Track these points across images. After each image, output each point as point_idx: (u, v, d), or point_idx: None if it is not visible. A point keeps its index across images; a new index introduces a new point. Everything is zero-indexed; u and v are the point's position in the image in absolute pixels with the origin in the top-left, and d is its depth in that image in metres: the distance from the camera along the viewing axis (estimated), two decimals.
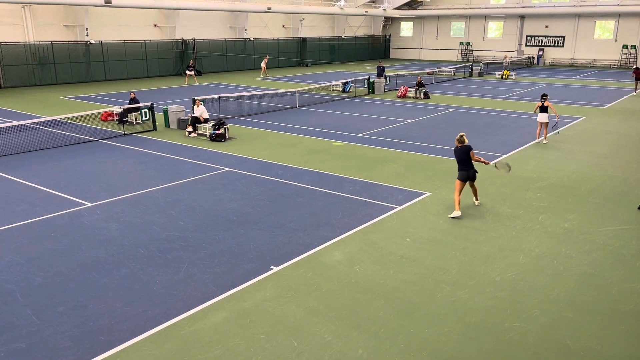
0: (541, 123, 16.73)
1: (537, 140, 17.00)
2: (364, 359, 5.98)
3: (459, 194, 10.43)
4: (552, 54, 50.59)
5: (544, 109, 16.53)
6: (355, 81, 29.57)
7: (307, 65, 48.27)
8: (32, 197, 11.48)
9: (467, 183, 10.60)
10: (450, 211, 10.57)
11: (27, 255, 8.60)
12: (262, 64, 38.97)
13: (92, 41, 33.79)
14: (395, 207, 10.82)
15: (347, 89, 29.40)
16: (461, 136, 10.61)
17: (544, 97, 16.59)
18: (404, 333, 6.47)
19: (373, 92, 29.37)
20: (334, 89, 30.19)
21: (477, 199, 11.11)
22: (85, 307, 7.03)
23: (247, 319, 6.76)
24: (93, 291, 7.43)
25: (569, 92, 30.32)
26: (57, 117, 18.08)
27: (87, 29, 33.51)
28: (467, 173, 10.45)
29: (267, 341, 6.30)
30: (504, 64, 41.89)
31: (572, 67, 48.10)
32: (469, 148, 10.46)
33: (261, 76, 38.47)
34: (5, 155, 15.15)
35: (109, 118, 20.50)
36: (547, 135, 17.18)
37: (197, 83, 33.61)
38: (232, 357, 5.99)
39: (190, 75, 33.71)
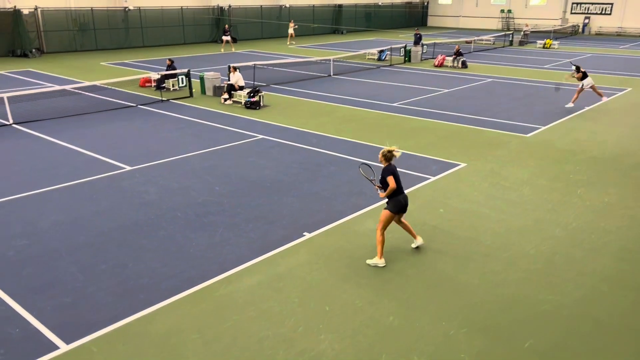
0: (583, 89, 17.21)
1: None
2: (395, 325, 6.06)
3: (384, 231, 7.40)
4: (599, 23, 48.38)
5: (585, 76, 17.13)
6: (391, 49, 29.05)
7: (342, 33, 47.57)
8: (74, 160, 11.86)
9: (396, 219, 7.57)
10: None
11: (70, 215, 8.95)
12: (290, 30, 38.37)
13: (131, 8, 34.03)
14: (430, 178, 10.74)
15: (383, 57, 28.92)
16: (390, 152, 7.36)
17: (577, 67, 17.43)
18: (435, 302, 6.52)
19: (409, 60, 28.83)
20: (370, 57, 29.74)
21: (416, 236, 7.83)
22: (125, 266, 7.31)
23: (280, 283, 6.91)
24: (133, 251, 7.71)
25: (615, 62, 29.09)
26: (97, 83, 18.46)
27: None
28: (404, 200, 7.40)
29: (299, 305, 6.45)
30: (525, 32, 40.25)
31: (619, 37, 45.96)
32: (387, 171, 7.27)
33: (288, 43, 38.00)
34: (49, 119, 15.61)
35: (146, 84, 20.81)
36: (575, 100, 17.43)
37: (234, 50, 33.57)
38: (266, 319, 6.16)
39: (227, 41, 33.60)
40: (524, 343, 5.75)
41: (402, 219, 7.66)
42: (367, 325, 6.07)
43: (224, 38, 33.57)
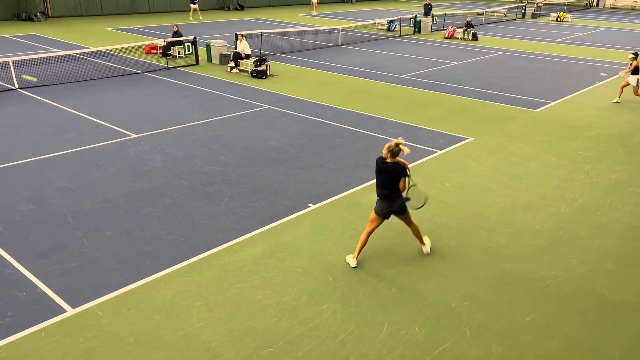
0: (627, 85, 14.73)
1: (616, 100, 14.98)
2: (397, 297, 6.10)
3: (368, 235, 6.66)
4: None
5: (635, 71, 14.34)
6: (400, 20, 28.56)
7: (351, 2, 46.74)
8: (80, 126, 11.83)
9: (399, 218, 6.72)
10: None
11: (76, 181, 8.98)
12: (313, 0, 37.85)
13: None
14: (436, 152, 10.68)
15: (392, 28, 28.46)
16: (397, 145, 6.23)
17: (636, 54, 14.28)
18: (438, 275, 6.54)
19: (419, 31, 28.38)
20: (379, 27, 29.29)
21: (424, 243, 6.97)
22: (131, 233, 7.35)
23: (284, 253, 6.95)
24: (138, 219, 7.75)
25: (629, 37, 28.52)
26: (102, 49, 18.29)
27: None
28: (391, 204, 6.47)
29: (302, 275, 6.49)
30: (538, 4, 39.47)
31: (634, 11, 44.96)
32: (404, 170, 6.37)
33: (312, 12, 37.50)
34: (55, 84, 15.54)
35: (152, 51, 20.61)
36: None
37: (202, 19, 32.56)
38: (270, 288, 6.21)
39: (195, 9, 32.78)
40: (525, 317, 5.78)
41: (413, 221, 6.81)
42: (369, 295, 6.12)
43: (192, 6, 32.68)
